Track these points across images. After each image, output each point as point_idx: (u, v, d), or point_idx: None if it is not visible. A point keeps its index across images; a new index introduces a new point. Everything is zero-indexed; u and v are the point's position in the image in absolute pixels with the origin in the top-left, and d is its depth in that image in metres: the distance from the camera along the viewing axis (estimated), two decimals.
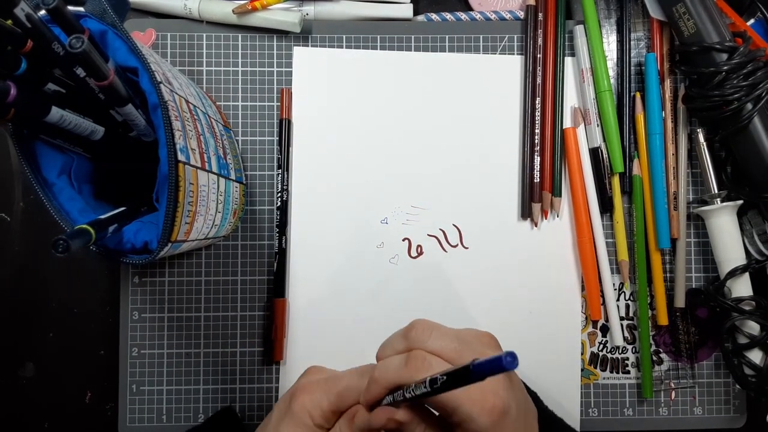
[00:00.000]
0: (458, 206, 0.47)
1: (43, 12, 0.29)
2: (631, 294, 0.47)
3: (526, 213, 0.47)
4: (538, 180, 0.46)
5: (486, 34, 0.48)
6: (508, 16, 0.48)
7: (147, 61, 0.32)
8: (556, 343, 0.46)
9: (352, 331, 0.46)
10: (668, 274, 0.47)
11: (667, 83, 0.47)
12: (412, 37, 0.48)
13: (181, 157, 0.32)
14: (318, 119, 0.47)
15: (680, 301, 0.46)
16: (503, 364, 0.20)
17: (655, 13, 0.46)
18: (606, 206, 0.47)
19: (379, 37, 0.47)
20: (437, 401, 0.28)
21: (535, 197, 0.46)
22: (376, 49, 0.47)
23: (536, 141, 0.47)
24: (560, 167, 0.47)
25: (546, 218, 0.47)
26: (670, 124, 0.47)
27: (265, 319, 0.46)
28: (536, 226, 0.47)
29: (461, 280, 0.47)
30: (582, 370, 0.47)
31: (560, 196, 0.47)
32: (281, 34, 0.47)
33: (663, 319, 0.46)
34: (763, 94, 0.41)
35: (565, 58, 0.47)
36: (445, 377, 0.24)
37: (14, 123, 0.33)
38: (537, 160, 0.47)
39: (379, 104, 0.47)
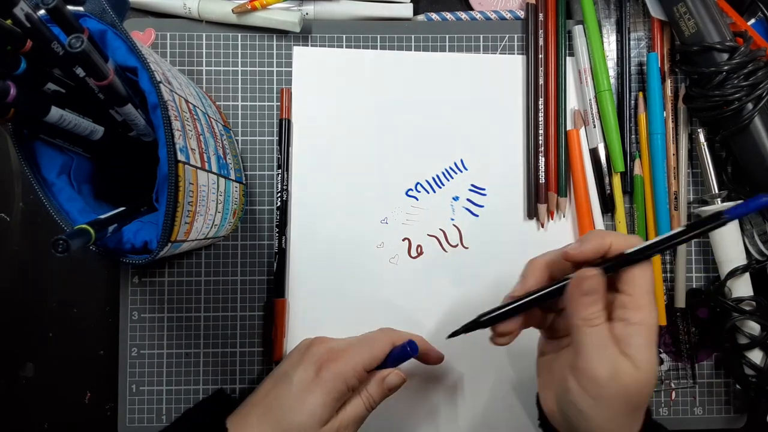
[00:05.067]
0: (459, 205, 0.47)
1: (42, 12, 0.29)
2: None
3: (532, 213, 0.47)
4: (544, 181, 0.46)
5: (486, 34, 0.48)
6: (508, 15, 0.48)
7: (146, 61, 0.32)
8: None
9: (352, 330, 0.46)
10: (669, 274, 0.47)
11: (668, 83, 0.47)
12: (412, 36, 0.47)
13: (180, 157, 0.32)
14: (318, 119, 0.47)
15: (680, 301, 0.46)
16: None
17: (655, 12, 0.46)
18: (608, 206, 0.47)
19: (379, 37, 0.47)
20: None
21: (541, 198, 0.46)
22: (376, 48, 0.47)
23: (540, 142, 0.46)
24: (564, 168, 0.47)
25: (552, 219, 0.47)
26: (670, 124, 0.46)
27: (265, 319, 0.46)
28: (543, 226, 0.47)
29: (461, 280, 0.46)
30: None
31: (566, 196, 0.47)
32: (281, 33, 0.47)
33: (663, 320, 0.46)
34: (764, 94, 0.41)
35: (566, 58, 0.47)
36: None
37: (14, 123, 0.33)
38: (542, 161, 0.46)
39: (380, 104, 0.47)
